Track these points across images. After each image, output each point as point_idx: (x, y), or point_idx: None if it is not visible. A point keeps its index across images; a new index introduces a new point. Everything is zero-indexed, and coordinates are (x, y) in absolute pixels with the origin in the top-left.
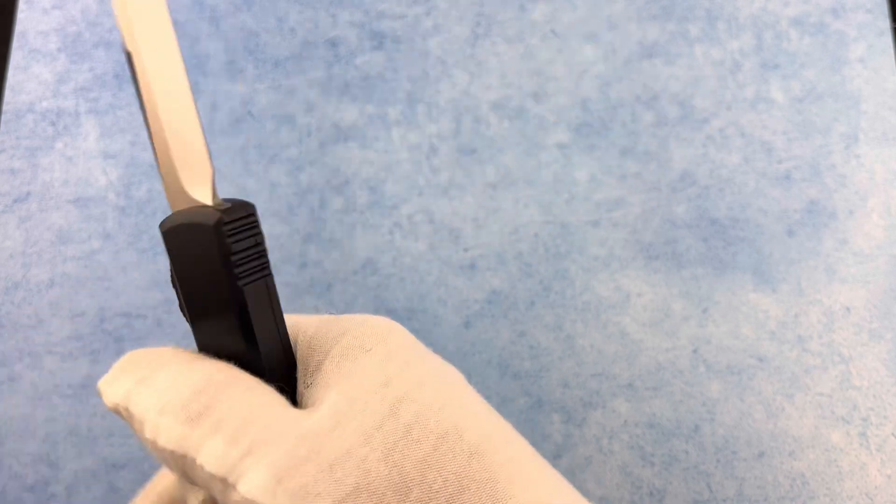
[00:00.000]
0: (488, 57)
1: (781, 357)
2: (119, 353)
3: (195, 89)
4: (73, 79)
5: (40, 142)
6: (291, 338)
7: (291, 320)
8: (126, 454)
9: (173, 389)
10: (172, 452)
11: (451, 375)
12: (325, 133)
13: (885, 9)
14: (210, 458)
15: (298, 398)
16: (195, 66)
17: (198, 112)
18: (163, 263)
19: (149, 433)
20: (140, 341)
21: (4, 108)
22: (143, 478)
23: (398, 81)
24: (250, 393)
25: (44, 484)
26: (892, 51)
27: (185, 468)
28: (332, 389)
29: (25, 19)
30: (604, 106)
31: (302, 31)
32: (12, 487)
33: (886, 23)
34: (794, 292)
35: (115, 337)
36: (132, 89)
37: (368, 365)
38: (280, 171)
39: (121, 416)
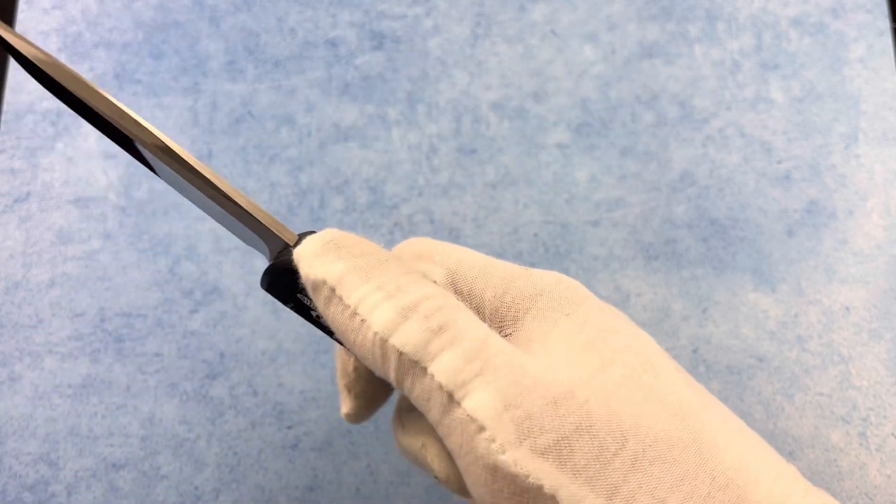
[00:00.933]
0: (488, 57)
1: (781, 357)
2: (119, 353)
3: (195, 89)
4: None
5: (40, 142)
6: (472, 283)
7: (477, 262)
8: (126, 454)
9: (411, 295)
10: (401, 355)
11: (645, 340)
12: (325, 133)
13: (884, 9)
14: (444, 369)
15: None
16: (195, 66)
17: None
18: (162, 263)
19: (380, 327)
20: (140, 341)
21: (5, 108)
22: (144, 478)
23: (398, 81)
24: (476, 320)
25: (44, 484)
26: (891, 51)
27: (403, 373)
28: (536, 343)
29: (26, 19)
30: (604, 106)
31: (302, 32)
32: (12, 487)
33: (886, 23)
34: (794, 292)
35: (116, 337)
36: (132, 89)
37: (570, 329)
38: (280, 170)
39: (313, 290)
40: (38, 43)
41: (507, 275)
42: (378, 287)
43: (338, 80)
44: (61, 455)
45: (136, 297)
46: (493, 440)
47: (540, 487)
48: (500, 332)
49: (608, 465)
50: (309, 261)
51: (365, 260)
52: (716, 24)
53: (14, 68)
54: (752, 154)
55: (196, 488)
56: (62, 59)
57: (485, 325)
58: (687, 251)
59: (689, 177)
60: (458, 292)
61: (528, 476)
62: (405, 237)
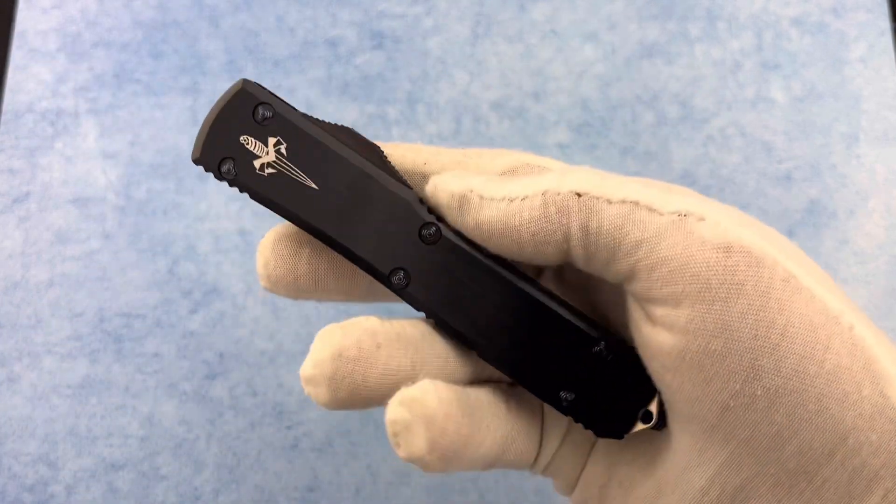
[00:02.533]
0: (488, 56)
1: None
2: (118, 353)
3: (195, 89)
4: (73, 78)
5: (39, 142)
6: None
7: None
8: (125, 455)
9: (543, 168)
10: (580, 196)
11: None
12: None
13: (885, 8)
14: (636, 193)
15: None
16: (195, 65)
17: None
18: (161, 263)
19: (545, 184)
20: (139, 341)
21: (4, 107)
22: (143, 478)
23: (398, 81)
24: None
25: (43, 484)
26: (892, 50)
27: (587, 216)
28: None
29: (25, 19)
30: (604, 106)
31: (302, 31)
32: (12, 487)
33: (887, 22)
34: None
35: (115, 337)
36: (131, 89)
37: None
38: None
39: (460, 205)
40: (38, 42)
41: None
42: (520, 180)
43: (338, 80)
44: (60, 455)
45: (136, 298)
46: (719, 223)
47: (774, 259)
48: None
49: (808, 269)
50: (450, 180)
51: (492, 177)
52: (716, 23)
53: (13, 68)
54: (752, 154)
55: (195, 489)
56: (61, 58)
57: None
58: None
59: (689, 177)
60: None
61: (763, 248)
62: None
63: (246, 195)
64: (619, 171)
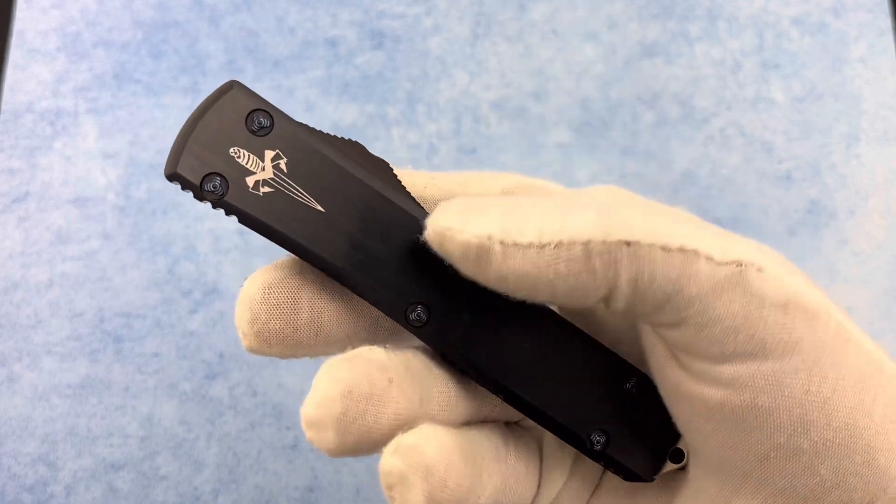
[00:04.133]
0: (488, 56)
1: None
2: (118, 353)
3: (194, 89)
4: (72, 78)
5: (39, 141)
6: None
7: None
8: (125, 455)
9: (576, 203)
10: (629, 245)
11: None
12: None
13: (885, 8)
14: (692, 239)
15: None
16: (195, 65)
17: None
18: (161, 263)
19: (588, 232)
20: (139, 341)
21: (3, 107)
22: (143, 478)
23: (398, 81)
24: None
25: (43, 484)
26: (892, 50)
27: (638, 266)
28: None
29: (24, 18)
30: (604, 105)
31: (301, 31)
32: (11, 488)
33: (887, 22)
34: None
35: (115, 337)
36: (131, 89)
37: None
38: None
39: (478, 257)
40: (37, 42)
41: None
42: (544, 213)
43: (337, 80)
44: (60, 456)
45: (135, 298)
46: (777, 276)
47: (828, 310)
48: None
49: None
50: (458, 227)
51: (508, 204)
52: (717, 23)
53: (13, 67)
54: (752, 154)
55: (195, 489)
56: (60, 58)
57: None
58: None
59: (690, 176)
60: None
61: (818, 301)
62: None
63: (233, 218)
64: (619, 171)
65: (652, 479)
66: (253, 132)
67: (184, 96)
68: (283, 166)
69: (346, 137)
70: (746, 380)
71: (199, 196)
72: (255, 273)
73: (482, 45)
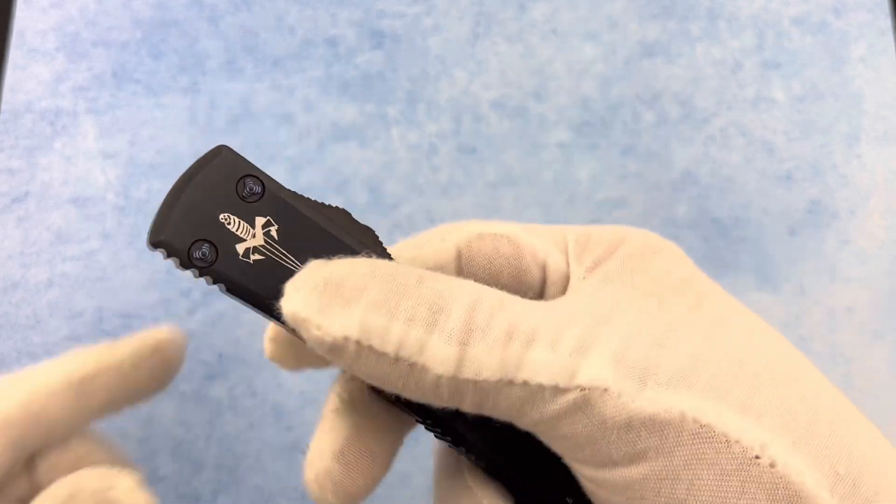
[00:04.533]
0: (488, 56)
1: None
2: None
3: (194, 88)
4: (72, 78)
5: (39, 141)
6: (555, 238)
7: (551, 227)
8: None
9: (455, 312)
10: (477, 384)
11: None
12: (325, 132)
13: (886, 8)
14: (539, 370)
15: (569, 290)
16: (194, 65)
17: None
18: (161, 263)
19: (442, 368)
20: None
21: (3, 107)
22: (142, 478)
23: (398, 80)
24: (529, 303)
25: None
26: (893, 50)
27: (483, 399)
28: (613, 284)
29: (23, 18)
30: (604, 105)
31: (301, 30)
32: None
33: (888, 22)
34: (797, 292)
35: (114, 337)
36: (131, 88)
37: (661, 263)
38: (279, 170)
39: (332, 352)
40: (37, 42)
41: (590, 227)
42: (410, 318)
43: (337, 79)
44: None
45: (135, 298)
46: (620, 394)
47: (681, 414)
48: (578, 276)
49: (733, 385)
50: (314, 321)
51: (378, 289)
52: (717, 22)
53: (12, 67)
54: (753, 153)
55: (195, 489)
56: (60, 57)
57: (541, 304)
58: (689, 251)
59: (690, 176)
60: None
61: (668, 408)
62: (405, 237)
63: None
64: (620, 170)
65: None
66: (243, 198)
67: (183, 96)
68: (273, 233)
69: (334, 205)
70: (608, 483)
71: (185, 263)
72: (322, 435)
73: (482, 45)
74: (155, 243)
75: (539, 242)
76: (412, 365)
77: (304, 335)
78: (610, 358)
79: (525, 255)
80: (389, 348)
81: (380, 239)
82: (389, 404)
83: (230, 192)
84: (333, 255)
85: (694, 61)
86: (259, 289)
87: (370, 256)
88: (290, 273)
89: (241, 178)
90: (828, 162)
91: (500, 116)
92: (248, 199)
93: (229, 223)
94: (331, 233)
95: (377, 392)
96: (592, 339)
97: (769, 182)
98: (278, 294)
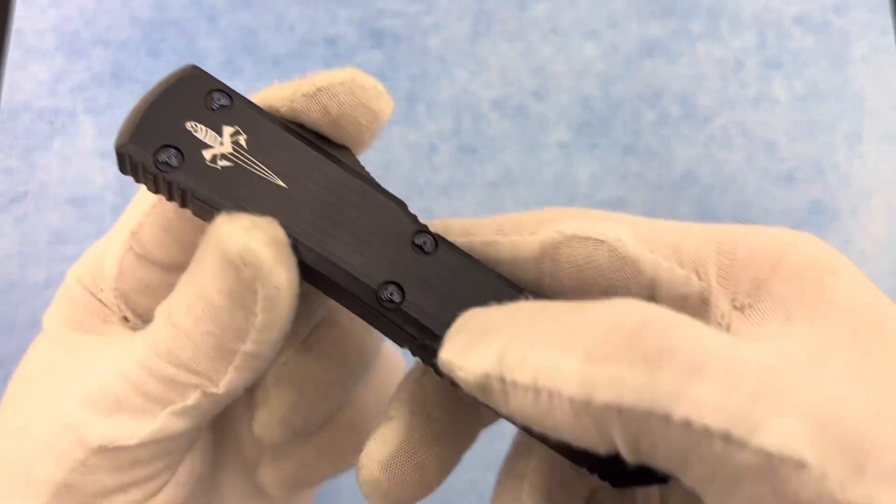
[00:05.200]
0: (488, 55)
1: None
2: None
3: None
4: (70, 77)
5: (37, 141)
6: (677, 239)
7: (675, 229)
8: None
9: (594, 325)
10: (622, 413)
11: None
12: None
13: (887, 7)
14: (703, 406)
15: (713, 320)
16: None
17: None
18: None
19: (573, 389)
20: None
21: (1, 106)
22: None
23: (397, 80)
24: (699, 324)
25: None
26: (895, 49)
27: (633, 435)
28: (799, 323)
29: (22, 17)
30: (605, 104)
31: (301, 29)
32: None
33: (889, 21)
34: None
35: None
36: (130, 88)
37: (844, 288)
38: None
39: (482, 392)
40: (35, 41)
41: (721, 228)
42: (548, 343)
43: None
44: None
45: None
46: (825, 477)
47: None
48: (736, 303)
49: None
50: (456, 363)
51: (519, 320)
52: (718, 21)
53: (10, 66)
54: (754, 153)
55: None
56: (58, 57)
57: (713, 329)
58: None
59: (691, 176)
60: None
61: None
62: None
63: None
64: (620, 170)
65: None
66: (212, 110)
67: None
68: (242, 142)
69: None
70: None
71: (152, 169)
72: (370, 444)
73: (482, 44)
74: (120, 148)
75: (649, 256)
76: (550, 394)
77: (458, 381)
78: (811, 423)
79: (626, 270)
80: (526, 379)
81: (357, 159)
82: (458, 410)
83: (198, 103)
84: (304, 164)
85: (695, 60)
86: (226, 195)
87: (344, 167)
88: (258, 179)
89: (209, 91)
90: (829, 161)
91: (500, 116)
92: (216, 110)
93: (196, 131)
94: (301, 143)
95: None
96: (784, 393)
97: (770, 182)
98: (246, 201)
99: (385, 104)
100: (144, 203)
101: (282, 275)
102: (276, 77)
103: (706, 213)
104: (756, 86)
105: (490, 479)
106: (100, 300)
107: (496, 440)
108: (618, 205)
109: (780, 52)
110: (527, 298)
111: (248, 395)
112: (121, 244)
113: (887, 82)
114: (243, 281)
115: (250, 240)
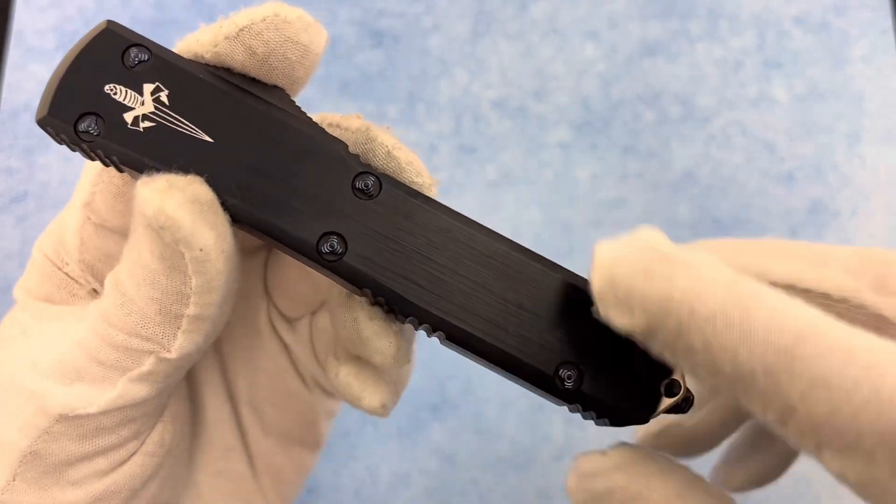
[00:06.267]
0: (489, 55)
1: None
2: None
3: None
4: None
5: (37, 141)
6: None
7: (813, 250)
8: None
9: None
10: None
11: None
12: None
13: (887, 7)
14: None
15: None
16: None
17: None
18: None
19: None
20: None
21: (2, 106)
22: None
23: (398, 80)
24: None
25: None
26: (894, 49)
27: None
28: None
29: (22, 17)
30: (605, 104)
31: None
32: None
33: (889, 21)
34: None
35: None
36: None
37: None
38: None
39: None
40: (35, 41)
41: (859, 252)
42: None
43: (337, 79)
44: None
45: None
46: None
47: None
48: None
49: None
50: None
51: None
52: (718, 21)
53: (11, 67)
54: (754, 153)
55: None
56: (58, 57)
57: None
58: None
59: (691, 176)
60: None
61: None
62: None
63: (108, 164)
64: (620, 170)
65: (647, 420)
66: (130, 68)
67: None
68: (164, 99)
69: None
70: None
71: (73, 139)
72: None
73: (482, 44)
74: (41, 121)
75: (833, 283)
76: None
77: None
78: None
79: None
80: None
81: (293, 101)
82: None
83: (115, 63)
84: (232, 115)
85: (695, 61)
86: (152, 157)
87: (278, 111)
88: (184, 137)
89: (126, 48)
90: (829, 161)
91: (500, 116)
92: (135, 68)
93: (116, 93)
94: (226, 91)
95: (374, 296)
96: None
97: (770, 182)
98: (171, 161)
99: (316, 35)
100: (92, 171)
101: (206, 235)
102: None
103: (706, 213)
104: (756, 86)
105: (490, 479)
106: (66, 273)
107: (496, 440)
108: (617, 205)
109: (779, 52)
110: (484, 236)
111: (221, 369)
112: (77, 215)
113: (887, 82)
114: (167, 244)
115: (165, 202)
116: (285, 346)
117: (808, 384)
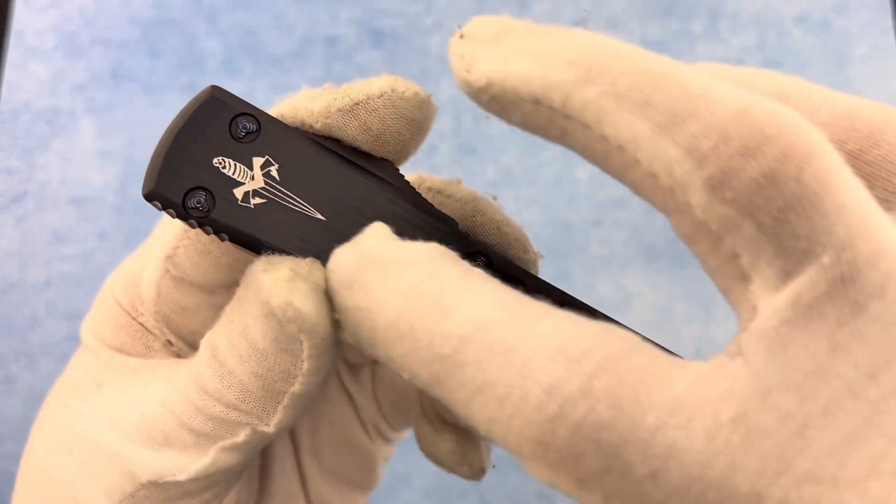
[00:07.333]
0: None
1: None
2: None
3: (193, 88)
4: (70, 77)
5: (37, 141)
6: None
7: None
8: None
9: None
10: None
11: None
12: None
13: (888, 6)
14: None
15: None
16: (193, 64)
17: None
18: None
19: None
20: None
21: (1, 106)
22: None
23: None
24: None
25: None
26: (895, 49)
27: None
28: None
29: (22, 17)
30: None
31: (300, 29)
32: (8, 490)
33: (890, 21)
34: None
35: None
36: (129, 87)
37: None
38: None
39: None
40: (35, 41)
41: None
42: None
43: (337, 78)
44: None
45: None
46: None
47: None
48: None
49: None
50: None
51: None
52: (718, 21)
53: (10, 66)
54: None
55: None
56: (58, 57)
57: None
58: (690, 251)
59: None
60: None
61: None
62: None
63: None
64: None
65: None
66: (238, 139)
67: (182, 95)
68: (274, 173)
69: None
70: None
71: (182, 214)
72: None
73: None
74: (148, 195)
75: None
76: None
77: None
78: None
79: None
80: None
81: (400, 173)
82: None
83: (223, 133)
84: (343, 191)
85: (695, 60)
86: (263, 235)
87: (387, 187)
88: (295, 214)
89: (234, 118)
90: None
91: None
92: (244, 140)
93: (225, 167)
94: (338, 166)
95: None
96: None
97: None
98: (284, 240)
99: (429, 111)
100: (178, 224)
101: (328, 324)
102: (276, 77)
103: None
104: None
105: (490, 479)
106: (141, 324)
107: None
108: (617, 205)
109: (780, 52)
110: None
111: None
112: (156, 267)
113: (888, 82)
114: (287, 334)
115: (293, 295)
116: (350, 396)
117: (470, 393)
